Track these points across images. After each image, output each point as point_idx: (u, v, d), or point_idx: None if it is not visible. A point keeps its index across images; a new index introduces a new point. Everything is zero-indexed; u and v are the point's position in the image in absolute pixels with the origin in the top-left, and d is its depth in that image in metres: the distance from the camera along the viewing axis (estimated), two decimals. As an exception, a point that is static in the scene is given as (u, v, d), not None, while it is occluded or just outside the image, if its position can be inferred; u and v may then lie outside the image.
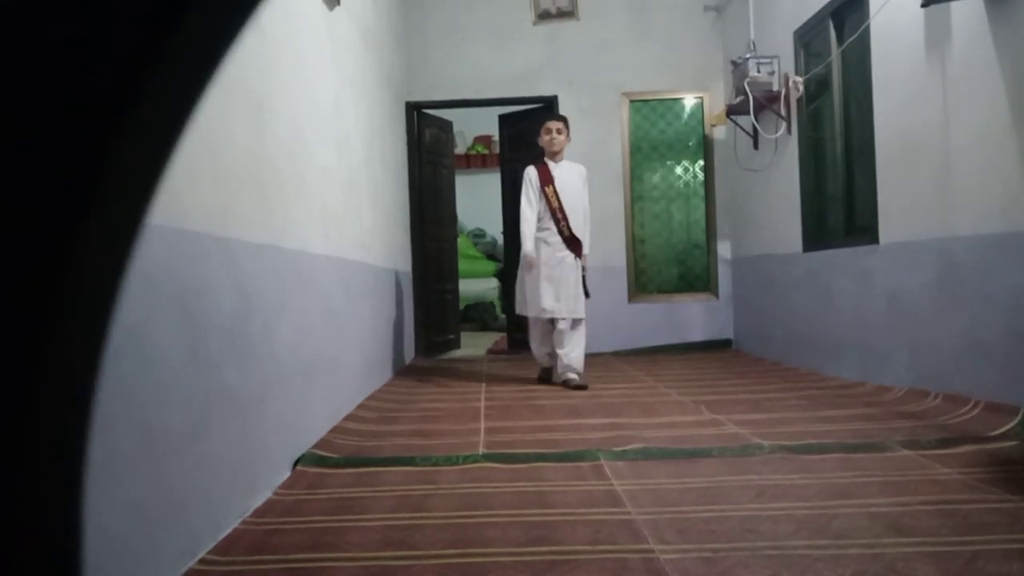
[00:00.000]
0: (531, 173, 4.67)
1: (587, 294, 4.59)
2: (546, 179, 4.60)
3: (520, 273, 4.69)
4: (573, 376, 4.48)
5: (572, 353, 4.51)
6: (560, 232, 4.53)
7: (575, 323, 4.52)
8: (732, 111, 5.67)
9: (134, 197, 0.35)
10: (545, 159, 4.70)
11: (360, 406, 3.86)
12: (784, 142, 5.20)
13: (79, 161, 0.32)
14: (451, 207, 7.10)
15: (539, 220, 4.60)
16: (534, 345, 4.75)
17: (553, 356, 4.61)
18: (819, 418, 3.31)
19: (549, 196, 4.54)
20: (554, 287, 4.49)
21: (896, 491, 2.18)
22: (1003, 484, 2.20)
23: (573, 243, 4.55)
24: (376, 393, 4.34)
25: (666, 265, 6.64)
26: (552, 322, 4.54)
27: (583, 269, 4.59)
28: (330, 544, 1.90)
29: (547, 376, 4.73)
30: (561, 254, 4.54)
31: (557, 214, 4.54)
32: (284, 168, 2.71)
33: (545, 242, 4.57)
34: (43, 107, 0.31)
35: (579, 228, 4.59)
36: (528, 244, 4.55)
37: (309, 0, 3.23)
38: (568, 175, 4.64)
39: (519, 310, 4.75)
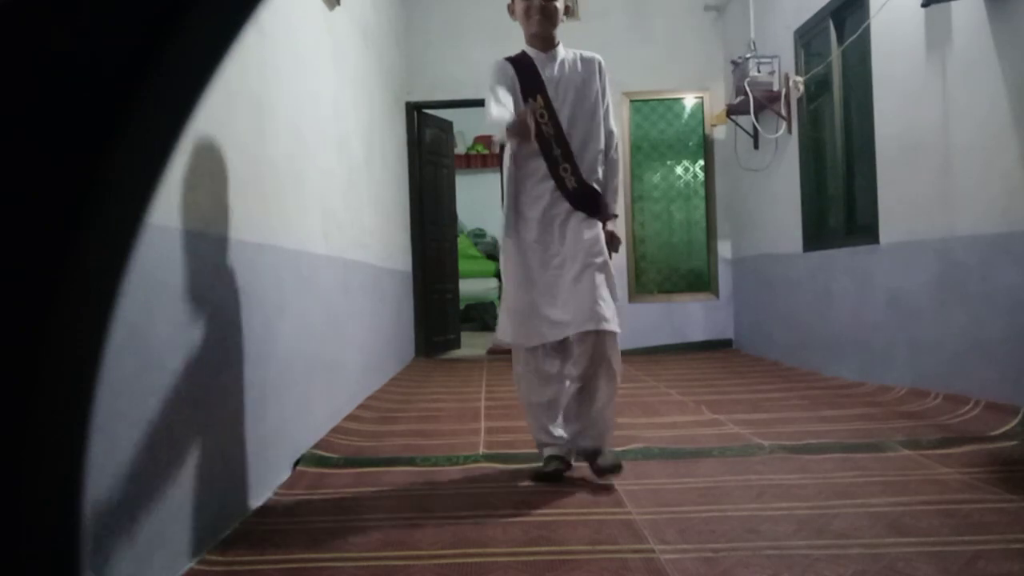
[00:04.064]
0: (500, 74, 2.51)
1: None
2: (530, 83, 2.49)
3: (504, 263, 2.60)
4: (605, 452, 2.41)
5: (602, 405, 2.42)
6: (559, 181, 2.46)
7: (603, 341, 2.38)
8: (732, 111, 5.67)
9: (134, 197, 0.35)
10: (526, 47, 2.57)
11: (360, 406, 3.86)
12: (784, 142, 5.20)
13: (79, 161, 0.32)
14: (451, 207, 7.10)
15: (518, 161, 2.52)
16: (529, 401, 2.53)
17: (566, 424, 2.49)
18: (819, 418, 3.31)
19: (536, 115, 2.40)
20: (554, 284, 2.46)
21: (896, 491, 2.18)
22: (1003, 484, 2.20)
23: (587, 200, 2.49)
24: (376, 393, 4.34)
25: (666, 265, 6.64)
26: (560, 348, 2.49)
27: (610, 243, 2.53)
28: (330, 544, 1.90)
29: (558, 469, 2.42)
30: (561, 215, 2.49)
31: (553, 147, 2.46)
32: (284, 168, 2.71)
33: (526, 212, 2.50)
34: (44, 107, 0.31)
35: (595, 171, 2.52)
36: (494, 110, 2.41)
37: (309, 0, 3.23)
38: (571, 74, 2.52)
39: (501, 334, 2.59)
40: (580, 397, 2.44)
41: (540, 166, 2.48)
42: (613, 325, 2.37)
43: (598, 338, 2.36)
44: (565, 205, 2.47)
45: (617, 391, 2.46)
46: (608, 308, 2.37)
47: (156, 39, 0.32)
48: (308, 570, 1.75)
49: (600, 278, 2.41)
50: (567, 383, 2.49)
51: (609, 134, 2.58)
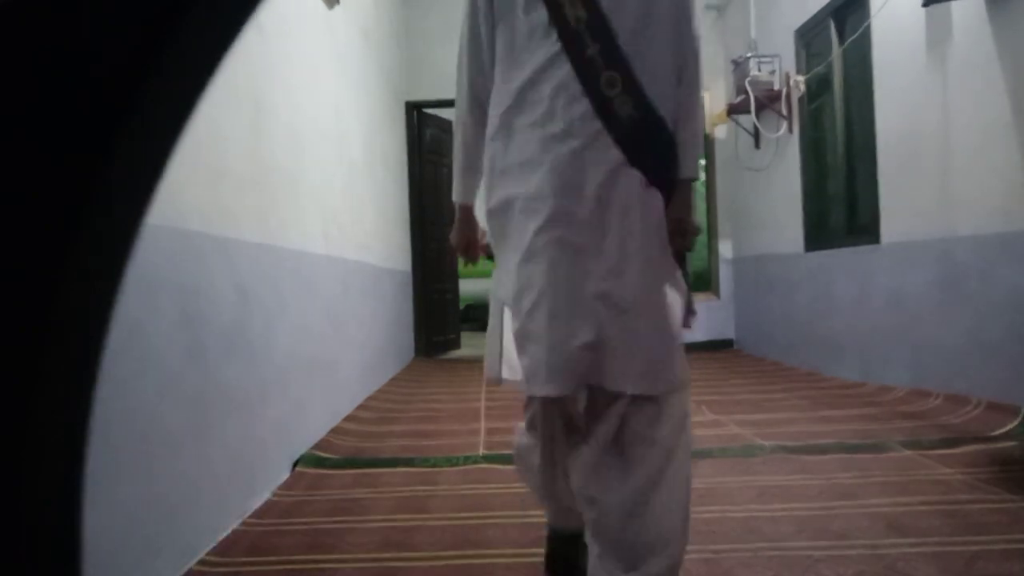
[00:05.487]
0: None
1: (689, 318, 1.55)
2: None
3: (497, 275, 1.58)
4: None
5: (661, 511, 1.42)
6: (600, 103, 1.35)
7: (659, 404, 1.44)
8: (733, 110, 5.67)
9: (134, 197, 0.35)
10: None
11: (360, 406, 3.85)
12: (785, 141, 5.20)
13: (79, 161, 0.32)
14: (451, 207, 7.09)
15: (518, 102, 1.41)
16: (542, 483, 1.55)
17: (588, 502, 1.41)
18: (820, 418, 3.31)
19: None
20: (585, 287, 1.35)
21: (897, 491, 2.18)
22: (1004, 484, 2.20)
23: (652, 143, 1.39)
24: (376, 393, 4.34)
25: (666, 265, 6.63)
26: (595, 404, 1.40)
27: (679, 234, 1.46)
28: (330, 545, 1.90)
29: (571, 550, 1.61)
30: (602, 170, 1.35)
31: (586, 43, 1.35)
32: (284, 168, 2.71)
33: (535, 155, 1.38)
34: (44, 107, 0.31)
35: (666, 92, 1.40)
36: (459, 181, 1.63)
37: (309, 0, 3.23)
38: None
39: (491, 370, 1.57)
40: (617, 463, 1.42)
41: (560, 76, 1.36)
42: (683, 375, 1.49)
43: (661, 398, 1.43)
44: (612, 152, 1.35)
45: (687, 481, 1.49)
46: (678, 346, 1.45)
47: (156, 38, 0.31)
48: (307, 571, 1.75)
49: (676, 302, 1.45)
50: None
51: (689, 38, 1.43)
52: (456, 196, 1.61)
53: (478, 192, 1.58)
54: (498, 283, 1.53)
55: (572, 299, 1.34)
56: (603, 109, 1.35)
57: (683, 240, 1.49)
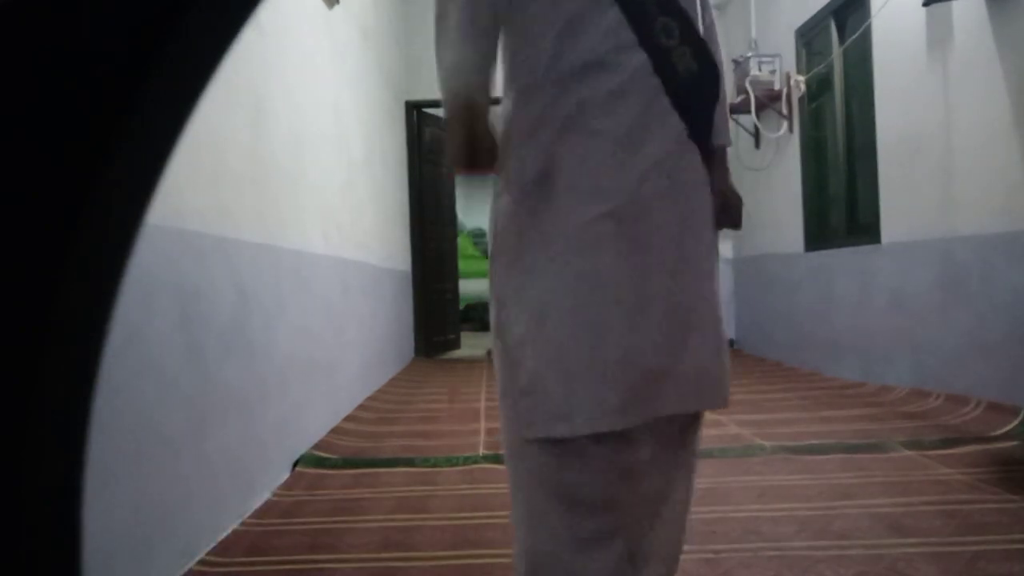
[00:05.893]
0: None
1: None
2: None
3: (504, 290, 1.34)
4: None
5: (671, 521, 1.25)
6: (659, 58, 1.11)
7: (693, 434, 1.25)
8: (733, 110, 5.66)
9: (134, 197, 0.35)
10: None
11: (360, 406, 3.85)
12: (786, 141, 5.20)
13: (79, 161, 0.32)
14: (451, 207, 7.10)
15: (556, 53, 1.12)
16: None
17: None
18: (821, 418, 3.31)
19: None
20: (661, 281, 1.12)
21: (898, 491, 2.18)
22: (1005, 484, 2.20)
23: (711, 103, 1.20)
24: (376, 393, 4.34)
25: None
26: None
27: (726, 199, 1.28)
28: (329, 545, 1.90)
29: None
30: (664, 145, 1.12)
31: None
32: (283, 168, 2.71)
33: (588, 130, 1.11)
34: (43, 107, 0.31)
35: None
36: (460, 66, 1.26)
37: (309, 0, 3.23)
38: None
39: (546, 409, 1.10)
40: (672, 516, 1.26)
41: (606, 23, 1.11)
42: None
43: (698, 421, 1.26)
44: (671, 120, 1.14)
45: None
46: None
47: (156, 38, 0.31)
48: (307, 571, 1.75)
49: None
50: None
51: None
52: (456, 87, 1.19)
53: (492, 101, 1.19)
54: (517, 306, 1.23)
55: (643, 303, 1.11)
56: (662, 63, 1.12)
57: (730, 216, 1.29)
